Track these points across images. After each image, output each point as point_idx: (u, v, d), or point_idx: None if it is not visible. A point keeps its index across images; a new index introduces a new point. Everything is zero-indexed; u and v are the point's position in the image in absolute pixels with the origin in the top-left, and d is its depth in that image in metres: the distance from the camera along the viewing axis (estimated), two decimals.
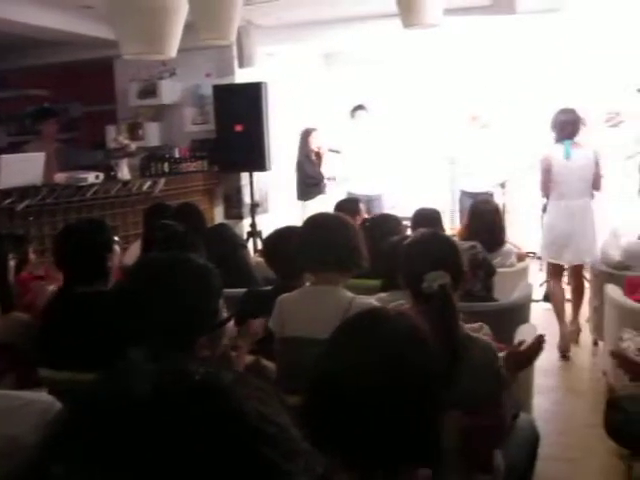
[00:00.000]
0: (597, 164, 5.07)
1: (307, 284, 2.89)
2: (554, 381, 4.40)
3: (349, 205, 5.01)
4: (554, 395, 4.19)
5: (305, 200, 7.28)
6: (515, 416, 2.44)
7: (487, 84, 8.29)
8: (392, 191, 7.66)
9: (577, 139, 5.09)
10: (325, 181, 7.41)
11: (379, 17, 6.22)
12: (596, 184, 5.07)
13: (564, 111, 5.12)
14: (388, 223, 4.15)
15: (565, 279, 5.49)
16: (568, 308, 5.26)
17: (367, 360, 1.31)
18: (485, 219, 4.46)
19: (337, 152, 7.38)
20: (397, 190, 7.86)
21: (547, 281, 5.70)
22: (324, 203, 6.82)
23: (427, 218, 4.34)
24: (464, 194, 7.03)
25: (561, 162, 5.00)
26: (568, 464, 3.39)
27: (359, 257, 2.62)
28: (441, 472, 1.30)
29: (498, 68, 8.32)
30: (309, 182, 7.28)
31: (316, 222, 2.75)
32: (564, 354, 4.85)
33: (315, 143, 7.33)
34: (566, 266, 5.36)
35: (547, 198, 5.22)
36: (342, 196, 6.99)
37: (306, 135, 7.37)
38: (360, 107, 7.54)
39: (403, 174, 8.12)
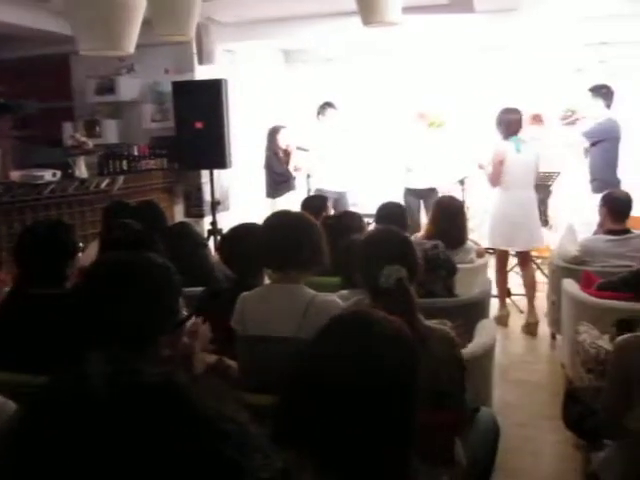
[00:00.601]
0: (538, 159, 5.62)
1: (267, 282, 2.88)
2: (513, 374, 4.46)
3: (315, 202, 5.02)
4: (514, 388, 4.24)
5: (274, 197, 7.30)
6: (476, 410, 2.47)
7: (444, 83, 8.39)
8: (357, 188, 7.72)
9: (530, 135, 5.67)
10: (294, 177, 7.44)
11: (339, 15, 6.23)
12: (535, 178, 5.63)
13: (509, 110, 5.53)
14: (350, 220, 4.16)
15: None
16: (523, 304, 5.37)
17: (353, 361, 1.32)
18: (452, 216, 4.50)
19: (305, 150, 7.41)
20: (361, 187, 7.93)
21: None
22: (294, 200, 6.84)
23: (390, 213, 4.37)
24: (408, 191, 7.14)
25: (513, 156, 5.43)
26: (528, 456, 3.45)
27: (320, 256, 2.62)
28: (416, 467, 1.31)
29: (456, 67, 8.41)
30: (278, 179, 7.30)
31: (277, 221, 2.74)
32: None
33: (283, 141, 7.35)
34: (512, 253, 5.76)
35: (494, 187, 5.63)
36: (312, 193, 7.03)
37: (274, 133, 7.38)
38: (329, 104, 7.57)
39: (366, 171, 8.19)
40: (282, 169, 7.30)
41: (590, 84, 7.89)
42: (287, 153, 7.37)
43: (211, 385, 0.67)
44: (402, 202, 7.11)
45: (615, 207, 4.51)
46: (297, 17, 6.47)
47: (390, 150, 8.18)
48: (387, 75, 8.62)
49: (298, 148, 7.41)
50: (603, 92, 6.12)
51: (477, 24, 6.41)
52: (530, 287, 5.57)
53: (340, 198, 7.33)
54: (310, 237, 2.61)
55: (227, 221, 6.36)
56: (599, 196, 5.38)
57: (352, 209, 7.58)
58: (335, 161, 7.36)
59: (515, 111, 5.54)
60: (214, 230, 6.29)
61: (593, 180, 6.07)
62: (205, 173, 6.67)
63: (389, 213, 4.37)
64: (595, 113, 6.14)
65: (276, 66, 8.73)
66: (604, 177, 5.98)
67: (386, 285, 2.05)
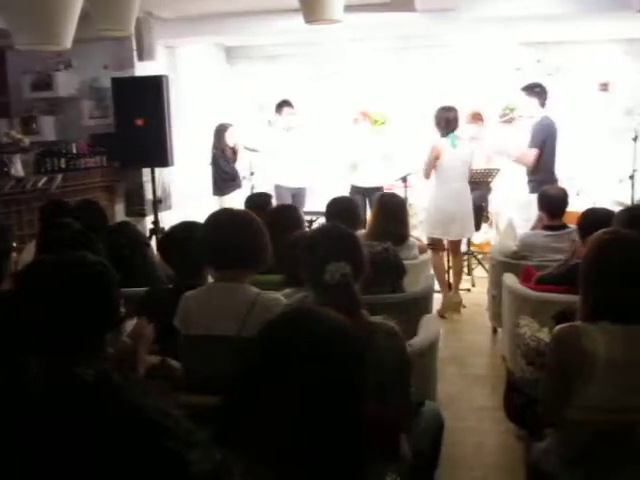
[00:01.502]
0: (471, 155, 6.06)
1: (210, 281, 2.85)
2: (457, 368, 4.54)
3: (259, 200, 4.99)
4: (457, 381, 4.32)
5: (221, 195, 7.27)
6: (420, 404, 2.50)
7: (387, 81, 8.46)
8: (313, 184, 7.76)
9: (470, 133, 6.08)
10: (243, 175, 7.43)
11: (281, 12, 6.21)
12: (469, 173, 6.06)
13: (446, 108, 5.88)
14: (288, 215, 4.15)
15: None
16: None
17: (295, 358, 1.31)
18: (394, 213, 4.54)
19: (254, 151, 7.40)
20: (316, 183, 7.94)
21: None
22: (241, 198, 6.81)
23: (341, 209, 4.36)
24: (354, 189, 7.24)
25: (449, 150, 5.81)
26: (471, 447, 3.51)
27: (263, 254, 2.61)
28: (365, 462, 1.32)
29: (399, 65, 8.49)
30: (225, 177, 7.29)
31: (219, 219, 2.71)
32: (442, 315, 5.67)
33: (231, 139, 7.32)
34: (445, 241, 6.06)
35: (427, 179, 6.05)
36: (270, 189, 7.02)
37: (221, 130, 7.36)
38: (286, 102, 7.56)
39: (317, 168, 8.20)
40: (229, 167, 7.29)
41: (529, 80, 8.09)
42: (235, 151, 7.35)
43: (150, 384, 0.66)
44: None
45: (552, 203, 4.62)
46: (239, 13, 6.42)
47: (336, 148, 8.23)
48: (330, 73, 8.64)
49: (246, 148, 7.40)
50: (537, 91, 6.23)
51: (418, 23, 6.48)
52: (457, 274, 6.03)
53: (298, 194, 7.39)
54: (254, 235, 2.59)
55: (170, 220, 6.27)
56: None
57: (309, 205, 7.67)
58: (292, 157, 7.40)
59: (452, 109, 5.87)
60: (156, 229, 6.19)
61: (530, 181, 6.19)
62: (146, 171, 6.56)
63: (340, 209, 4.36)
64: (531, 112, 6.25)
65: (218, 63, 8.65)
66: (541, 178, 6.10)
67: (330, 282, 2.05)
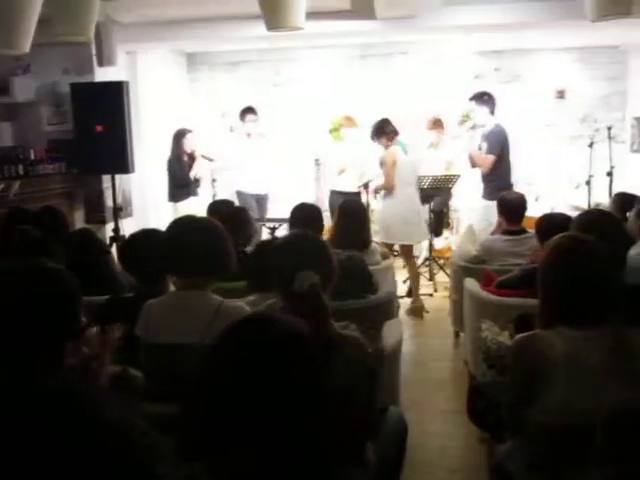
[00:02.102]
0: (419, 161, 6.43)
1: (172, 288, 2.83)
2: (419, 373, 4.57)
3: (222, 207, 4.97)
4: (420, 386, 4.34)
5: (176, 202, 7.17)
6: (384, 409, 2.51)
7: (352, 88, 8.51)
8: (275, 191, 7.74)
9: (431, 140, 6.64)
10: (198, 184, 7.36)
11: (243, 18, 6.19)
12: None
13: (386, 121, 6.27)
14: (244, 224, 4.18)
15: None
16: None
17: (250, 364, 1.31)
18: (355, 218, 4.55)
19: (210, 160, 7.33)
20: (279, 189, 7.94)
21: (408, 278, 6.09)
22: (196, 205, 6.77)
23: (307, 216, 4.34)
24: (334, 193, 7.24)
25: (403, 157, 6.14)
26: (434, 451, 3.53)
27: (225, 261, 2.59)
28: (325, 467, 1.32)
29: (362, 72, 8.54)
30: (178, 184, 7.18)
31: (182, 226, 2.68)
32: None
33: (189, 145, 7.24)
34: (396, 247, 6.27)
35: (391, 189, 6.13)
36: (231, 196, 6.98)
37: (179, 136, 7.26)
38: (249, 109, 7.53)
39: (282, 174, 8.21)
40: (183, 174, 7.18)
41: (488, 88, 8.22)
42: (192, 158, 7.27)
43: (113, 394, 0.65)
44: (326, 203, 7.28)
45: (510, 208, 4.69)
46: (200, 19, 6.38)
47: (299, 154, 8.27)
48: (291, 80, 8.66)
49: (203, 156, 7.32)
50: (485, 99, 6.36)
51: (378, 30, 6.54)
52: (414, 279, 6.14)
53: (260, 200, 7.36)
54: (216, 241, 2.57)
55: (131, 228, 6.19)
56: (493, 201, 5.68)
57: (271, 211, 7.66)
58: (254, 164, 7.39)
59: (389, 121, 6.30)
60: (116, 237, 6.11)
61: (486, 187, 6.29)
62: (107, 178, 6.47)
63: (305, 216, 4.33)
64: (482, 120, 6.39)
65: (179, 69, 8.60)
66: (497, 184, 6.20)
67: (299, 290, 2.04)
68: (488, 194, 6.19)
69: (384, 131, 6.16)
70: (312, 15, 4.99)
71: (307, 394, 1.32)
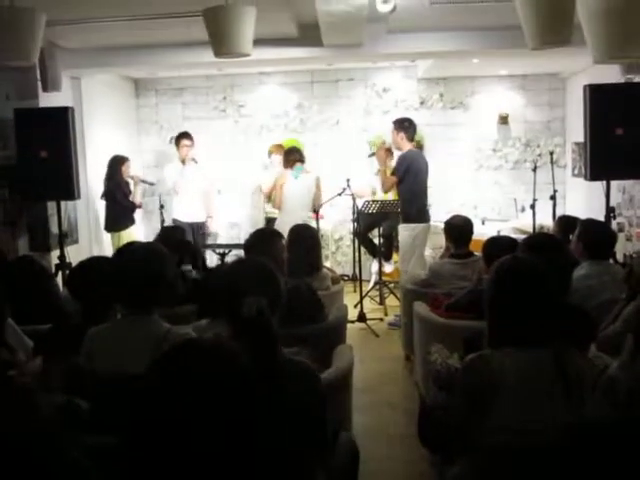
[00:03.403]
0: (318, 187, 6.99)
1: (119, 315, 2.77)
2: (371, 397, 4.56)
3: (172, 232, 4.94)
4: (371, 410, 4.33)
5: (117, 230, 7.07)
6: (336, 435, 2.49)
7: (298, 116, 8.58)
8: (215, 218, 7.69)
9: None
10: (138, 209, 7.31)
11: (190, 45, 6.19)
12: (316, 202, 6.93)
13: (293, 149, 7.17)
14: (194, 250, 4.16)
15: None
16: None
17: (179, 393, 1.28)
18: (305, 244, 4.54)
19: (151, 184, 7.28)
20: (217, 217, 7.90)
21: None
22: (139, 232, 6.71)
23: (262, 241, 4.29)
24: (268, 220, 7.57)
25: (291, 181, 6.85)
26: (386, 476, 3.52)
27: (170, 288, 2.56)
28: None
29: (307, 100, 8.61)
30: (121, 211, 7.08)
31: (128, 253, 2.65)
32: None
33: (127, 172, 7.18)
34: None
35: (279, 209, 6.98)
36: (166, 224, 6.91)
37: (117, 163, 7.18)
38: (184, 135, 7.47)
39: (220, 201, 8.19)
40: (125, 201, 7.13)
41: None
42: (134, 183, 7.23)
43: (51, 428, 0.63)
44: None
45: (457, 232, 4.76)
46: (146, 45, 6.36)
47: (243, 180, 8.28)
48: (238, 106, 8.67)
49: (143, 181, 7.29)
50: (405, 125, 6.59)
51: (325, 57, 6.63)
52: None
53: (196, 228, 7.31)
54: (161, 269, 2.54)
55: (76, 254, 6.07)
56: (412, 225, 6.35)
57: (211, 239, 7.61)
58: (189, 192, 7.33)
59: (294, 149, 7.19)
60: (62, 264, 5.97)
61: (401, 212, 6.58)
62: (52, 205, 6.33)
63: (262, 242, 4.28)
64: (398, 145, 6.63)
65: (126, 94, 8.53)
66: (410, 209, 6.48)
67: (247, 315, 2.02)
68: (401, 219, 6.56)
69: (287, 159, 7.02)
70: (259, 42, 5.02)
71: (248, 422, 1.30)
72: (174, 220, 7.28)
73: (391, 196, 7.03)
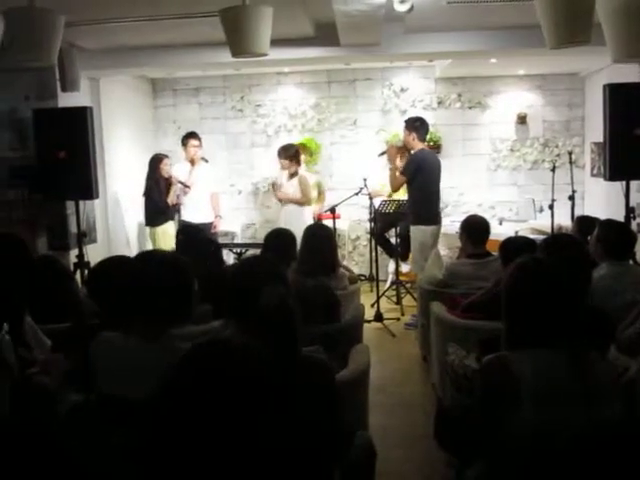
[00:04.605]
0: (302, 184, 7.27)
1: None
2: (388, 397, 4.55)
3: (196, 232, 4.99)
4: (388, 410, 4.33)
5: (153, 226, 7.16)
6: (352, 434, 2.49)
7: (312, 115, 8.58)
8: (221, 218, 7.69)
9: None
10: (176, 208, 7.38)
11: (207, 45, 6.21)
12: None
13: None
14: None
15: None
16: None
17: (209, 396, 1.30)
18: (322, 244, 4.54)
19: (187, 186, 7.30)
20: (225, 217, 7.92)
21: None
22: (173, 230, 6.82)
23: (279, 242, 4.32)
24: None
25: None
26: (403, 476, 3.51)
27: (190, 303, 2.41)
28: None
29: (323, 99, 8.61)
30: (156, 209, 7.17)
31: (145, 262, 2.51)
32: None
33: (166, 171, 7.22)
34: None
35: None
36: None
37: (156, 161, 7.25)
38: (191, 135, 7.48)
39: (237, 201, 8.23)
40: (161, 200, 7.19)
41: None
42: (169, 183, 7.26)
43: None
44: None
45: (473, 232, 4.73)
46: (164, 46, 6.39)
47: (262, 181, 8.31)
48: (255, 106, 8.69)
49: (180, 183, 7.29)
50: (416, 125, 6.46)
51: (342, 57, 6.62)
52: None
53: (205, 229, 7.23)
54: (184, 282, 2.39)
55: (94, 254, 6.12)
56: (424, 227, 6.24)
57: (227, 239, 7.63)
58: (197, 193, 7.36)
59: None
60: (80, 263, 6.02)
61: (411, 213, 6.46)
62: (70, 204, 6.38)
63: (278, 243, 4.29)
64: (410, 144, 6.51)
65: (144, 95, 8.58)
66: (420, 211, 6.35)
67: (268, 305, 1.99)
68: (411, 220, 6.45)
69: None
70: (276, 42, 5.02)
71: (269, 420, 1.31)
72: (182, 222, 7.29)
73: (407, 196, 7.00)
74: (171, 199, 7.25)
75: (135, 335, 2.34)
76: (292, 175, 7.33)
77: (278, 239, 4.37)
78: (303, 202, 7.28)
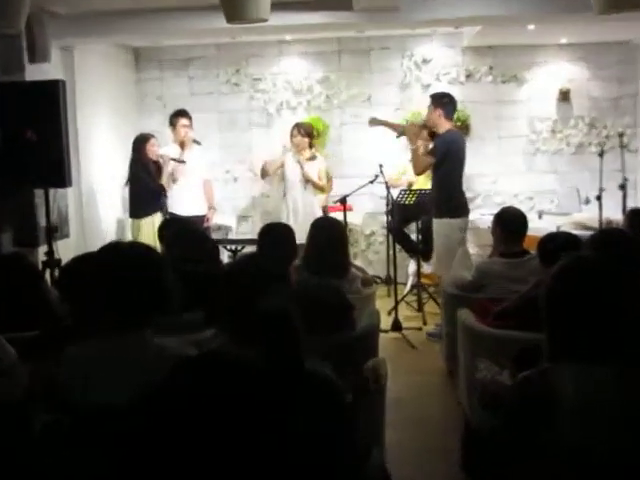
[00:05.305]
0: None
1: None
2: (406, 412, 4.55)
3: (188, 226, 5.01)
4: (407, 427, 4.34)
5: (140, 217, 7.12)
6: (366, 451, 2.49)
7: (318, 89, 8.58)
8: (214, 210, 7.68)
9: None
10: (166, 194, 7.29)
11: (198, 10, 6.21)
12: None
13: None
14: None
15: None
16: None
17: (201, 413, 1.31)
18: (331, 238, 4.53)
19: (182, 162, 7.23)
20: (219, 208, 7.92)
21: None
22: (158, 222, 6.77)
23: (275, 238, 4.32)
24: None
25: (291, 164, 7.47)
26: None
27: (165, 297, 2.47)
28: None
29: (332, 72, 8.61)
30: (147, 197, 7.12)
31: (111, 255, 2.55)
32: None
33: (153, 152, 7.18)
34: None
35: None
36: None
37: (142, 143, 7.20)
38: (180, 113, 7.46)
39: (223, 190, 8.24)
40: (154, 184, 7.15)
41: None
42: (159, 166, 7.22)
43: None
44: None
45: (508, 227, 4.72)
46: (148, 11, 6.38)
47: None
48: (254, 80, 8.69)
49: (173, 159, 7.20)
50: (444, 102, 6.34)
51: (355, 23, 6.59)
52: None
53: (199, 222, 7.20)
54: (154, 274, 2.45)
55: (67, 250, 6.13)
56: (451, 221, 6.08)
57: (221, 234, 7.63)
58: (189, 181, 7.34)
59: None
60: (50, 261, 6.03)
61: (435, 204, 6.35)
62: (39, 193, 6.40)
63: (275, 239, 4.30)
64: (434, 123, 6.36)
65: (125, 67, 8.58)
66: (446, 201, 6.27)
67: (266, 311, 2.01)
68: (440, 212, 6.29)
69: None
70: (278, 6, 5.02)
71: (268, 440, 1.32)
72: (170, 214, 7.21)
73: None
74: (165, 180, 7.19)
75: (107, 340, 2.40)
76: (311, 158, 7.34)
77: (271, 235, 4.36)
78: (324, 190, 7.34)
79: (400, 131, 6.88)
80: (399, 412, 4.45)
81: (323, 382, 2.18)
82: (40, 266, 5.82)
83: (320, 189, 7.40)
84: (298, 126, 7.46)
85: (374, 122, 7.02)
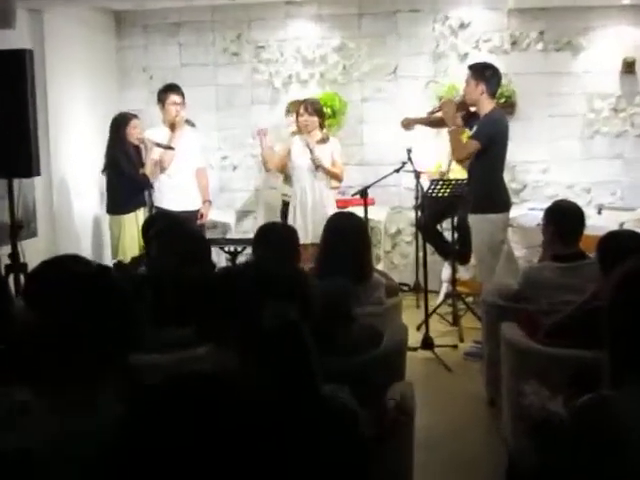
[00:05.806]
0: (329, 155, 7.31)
1: None
2: (439, 452, 4.54)
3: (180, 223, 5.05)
4: (439, 469, 4.33)
5: (122, 213, 7.13)
6: None
7: (333, 59, 8.60)
8: (210, 203, 7.68)
9: None
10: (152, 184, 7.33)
11: None
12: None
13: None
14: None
15: None
16: None
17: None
18: (349, 239, 4.53)
19: (169, 148, 7.23)
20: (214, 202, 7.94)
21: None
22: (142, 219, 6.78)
23: (275, 238, 4.35)
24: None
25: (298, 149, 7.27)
26: None
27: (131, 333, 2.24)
28: None
29: (350, 38, 8.62)
30: (129, 187, 7.15)
31: (61, 275, 2.49)
32: None
33: (135, 135, 7.20)
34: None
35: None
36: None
37: (121, 124, 7.23)
38: (171, 88, 7.46)
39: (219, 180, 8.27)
40: (135, 173, 7.18)
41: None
42: (139, 151, 7.24)
43: None
44: None
45: (562, 225, 4.70)
46: None
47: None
48: (255, 48, 8.70)
49: (158, 145, 7.20)
50: (487, 75, 6.25)
51: None
52: None
53: (192, 218, 7.23)
54: (119, 306, 2.24)
55: (35, 251, 6.16)
56: (494, 216, 6.03)
57: (218, 232, 7.65)
58: (181, 169, 7.35)
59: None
60: (15, 265, 6.07)
61: (475, 197, 6.32)
62: (2, 184, 6.44)
63: (275, 239, 4.32)
64: (473, 98, 6.31)
65: (104, 33, 8.62)
66: (489, 194, 6.24)
67: (271, 330, 2.02)
68: (481, 206, 6.24)
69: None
70: None
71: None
72: (157, 209, 7.24)
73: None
74: (149, 170, 7.21)
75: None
76: (323, 140, 7.29)
77: (270, 236, 4.38)
78: (339, 178, 7.32)
79: (433, 110, 6.80)
80: (430, 451, 4.44)
81: (341, 411, 2.17)
82: (2, 270, 5.85)
83: (335, 177, 7.19)
84: (305, 102, 7.33)
85: (409, 123, 6.96)
